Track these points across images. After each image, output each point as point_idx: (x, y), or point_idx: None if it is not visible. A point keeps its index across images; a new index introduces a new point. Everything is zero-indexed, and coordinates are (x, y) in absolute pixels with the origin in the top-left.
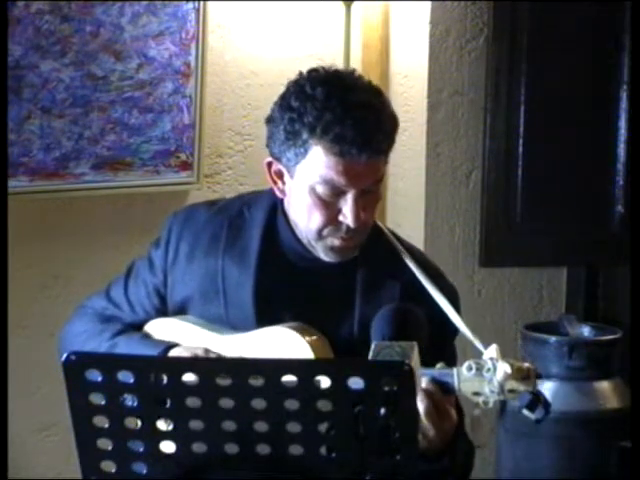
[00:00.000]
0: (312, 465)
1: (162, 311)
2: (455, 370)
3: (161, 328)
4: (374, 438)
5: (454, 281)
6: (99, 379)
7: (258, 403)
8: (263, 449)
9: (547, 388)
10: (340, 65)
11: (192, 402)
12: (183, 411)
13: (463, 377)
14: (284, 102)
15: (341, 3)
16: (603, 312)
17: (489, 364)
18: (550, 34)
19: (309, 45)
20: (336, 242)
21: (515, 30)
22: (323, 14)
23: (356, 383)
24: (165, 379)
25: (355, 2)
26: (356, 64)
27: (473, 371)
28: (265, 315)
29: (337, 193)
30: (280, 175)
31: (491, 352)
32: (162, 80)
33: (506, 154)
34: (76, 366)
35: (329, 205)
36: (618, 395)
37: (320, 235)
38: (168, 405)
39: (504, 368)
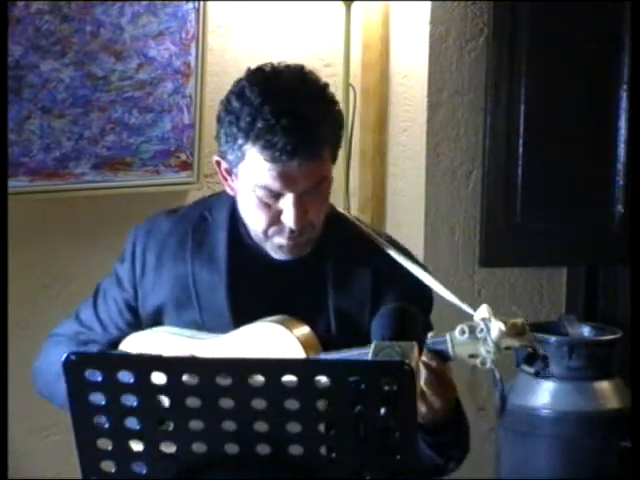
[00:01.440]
0: (312, 465)
1: (135, 325)
2: (448, 335)
3: (139, 343)
4: (374, 438)
5: (454, 281)
6: (99, 379)
7: (258, 403)
8: (263, 449)
9: (547, 388)
10: (340, 66)
11: (192, 402)
12: (183, 411)
13: (457, 341)
14: (227, 103)
15: (341, 3)
16: (603, 312)
17: (482, 325)
18: (550, 34)
19: (309, 45)
20: (282, 241)
21: (515, 30)
22: (323, 14)
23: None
24: (165, 379)
25: (355, 2)
26: (356, 64)
27: (466, 334)
28: (240, 315)
29: (276, 196)
30: (229, 173)
31: (482, 312)
32: (162, 80)
33: (506, 154)
34: (76, 366)
35: (271, 206)
36: (618, 395)
37: (266, 235)
38: (168, 405)
39: (498, 326)
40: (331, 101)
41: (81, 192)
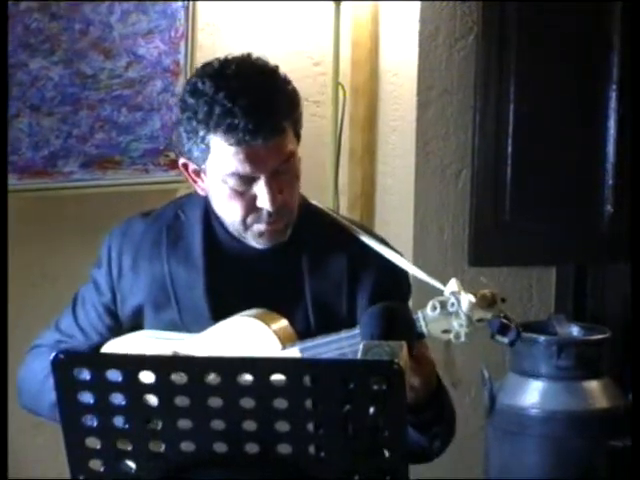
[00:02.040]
0: (301, 464)
1: (115, 330)
2: (420, 313)
3: (118, 347)
4: (363, 437)
5: (442, 280)
6: (87, 378)
7: (247, 402)
8: (252, 448)
9: (536, 387)
10: (329, 64)
11: (181, 401)
12: (172, 410)
13: (429, 318)
14: (182, 102)
15: (331, 2)
16: (592, 311)
17: (452, 299)
18: (539, 33)
19: (299, 43)
20: (262, 228)
21: (504, 29)
22: (313, 12)
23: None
24: (154, 378)
25: (345, 1)
26: (345, 62)
27: (438, 310)
28: (219, 312)
29: (248, 181)
30: (197, 173)
31: (452, 286)
32: (151, 78)
33: (495, 153)
34: (65, 365)
35: (244, 194)
36: (607, 395)
37: (245, 225)
38: (157, 404)
39: (468, 298)
40: (284, 80)
41: (70, 190)
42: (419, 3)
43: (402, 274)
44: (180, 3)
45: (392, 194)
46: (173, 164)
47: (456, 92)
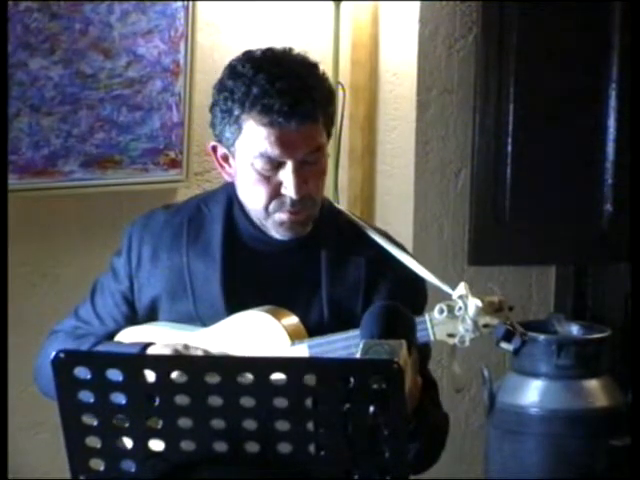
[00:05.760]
0: (301, 463)
1: (131, 318)
2: (427, 316)
3: (133, 336)
4: (363, 436)
5: (442, 279)
6: (88, 377)
7: (247, 401)
8: (252, 447)
9: (536, 387)
10: (329, 64)
11: (181, 400)
12: (172, 409)
13: (436, 321)
14: (220, 84)
15: (331, 2)
16: (592, 311)
17: (460, 303)
18: (539, 33)
19: (298, 43)
20: (284, 217)
21: (504, 29)
22: (312, 12)
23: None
24: (154, 377)
25: (345, 1)
26: (345, 62)
27: (445, 313)
28: (234, 305)
29: (276, 166)
30: (226, 158)
31: (460, 290)
32: (151, 78)
33: (495, 152)
34: (65, 364)
35: (270, 179)
36: (607, 393)
37: (267, 211)
38: (157, 403)
39: (475, 303)
40: (323, 76)
41: (70, 190)
42: (419, 3)
43: (420, 283)
44: (180, 3)
45: (392, 194)
46: (173, 163)
47: (456, 92)
